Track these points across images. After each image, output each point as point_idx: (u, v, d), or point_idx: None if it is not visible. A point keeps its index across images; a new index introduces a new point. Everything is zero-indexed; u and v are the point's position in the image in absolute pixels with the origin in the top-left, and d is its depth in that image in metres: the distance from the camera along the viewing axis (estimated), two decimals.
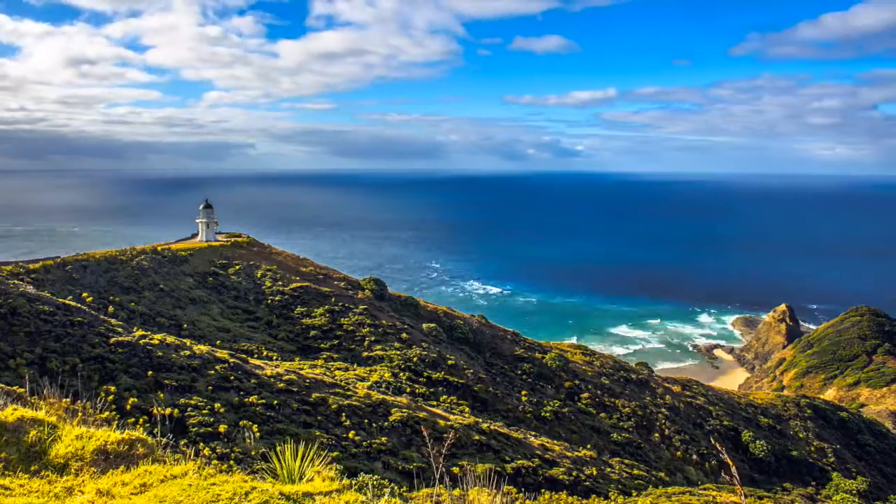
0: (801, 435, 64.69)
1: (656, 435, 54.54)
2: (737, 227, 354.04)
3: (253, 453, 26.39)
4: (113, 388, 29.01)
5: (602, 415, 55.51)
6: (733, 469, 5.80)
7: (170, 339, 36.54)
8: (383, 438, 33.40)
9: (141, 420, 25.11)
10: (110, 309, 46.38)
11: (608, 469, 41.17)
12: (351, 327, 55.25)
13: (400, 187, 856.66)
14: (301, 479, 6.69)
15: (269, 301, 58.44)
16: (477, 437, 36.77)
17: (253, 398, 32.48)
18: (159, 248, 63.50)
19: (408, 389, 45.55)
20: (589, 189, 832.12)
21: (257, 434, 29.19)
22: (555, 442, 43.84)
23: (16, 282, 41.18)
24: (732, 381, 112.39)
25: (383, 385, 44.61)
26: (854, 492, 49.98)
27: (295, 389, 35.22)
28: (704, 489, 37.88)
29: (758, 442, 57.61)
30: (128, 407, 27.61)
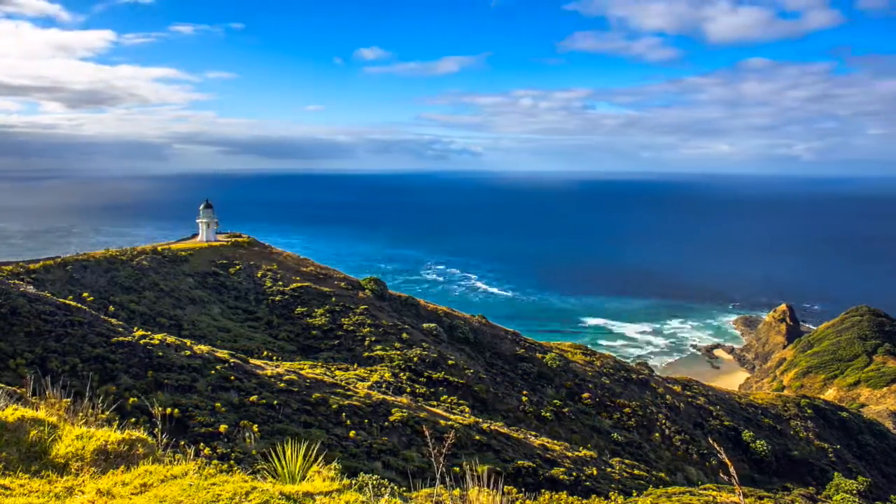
0: (801, 435, 64.70)
1: (657, 435, 54.55)
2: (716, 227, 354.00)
3: (253, 453, 26.41)
4: (113, 388, 29.04)
5: (602, 415, 55.50)
6: (731, 469, 5.80)
7: (170, 339, 36.55)
8: (384, 438, 33.41)
9: (141, 420, 25.10)
10: (111, 309, 46.41)
11: (609, 469, 41.19)
12: (351, 327, 55.25)
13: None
14: (301, 478, 6.70)
15: (270, 301, 58.43)
16: (477, 437, 36.78)
17: (253, 398, 32.50)
18: (160, 248, 63.52)
19: (408, 389, 45.56)
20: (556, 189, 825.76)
21: (258, 434, 29.22)
22: (555, 442, 43.85)
23: (16, 282, 41.21)
24: (733, 381, 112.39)
25: (384, 385, 44.62)
26: (854, 492, 49.94)
27: (295, 389, 35.24)
28: (705, 489, 37.88)
29: (758, 442, 57.62)
30: (128, 407, 27.61)
